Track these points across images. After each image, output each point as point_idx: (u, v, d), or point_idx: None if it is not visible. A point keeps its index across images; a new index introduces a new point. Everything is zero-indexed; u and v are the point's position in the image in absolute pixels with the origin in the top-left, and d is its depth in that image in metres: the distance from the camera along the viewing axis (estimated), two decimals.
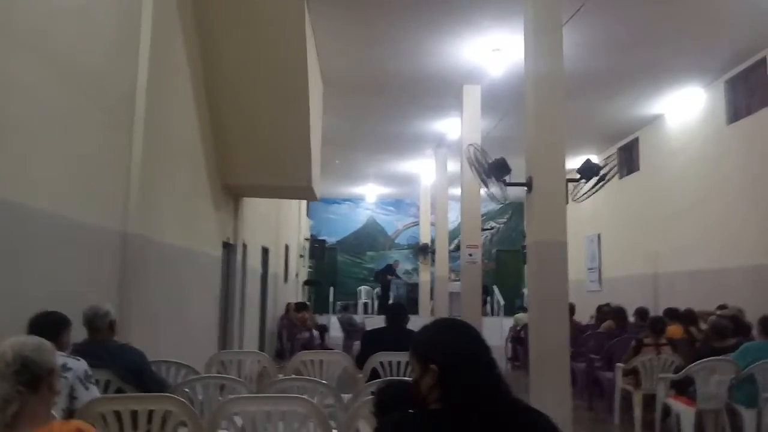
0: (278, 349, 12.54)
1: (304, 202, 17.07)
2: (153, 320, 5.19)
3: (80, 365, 2.96)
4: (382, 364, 4.60)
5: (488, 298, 17.63)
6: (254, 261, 9.79)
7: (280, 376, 4.63)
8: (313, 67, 7.67)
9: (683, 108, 10.55)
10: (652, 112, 11.16)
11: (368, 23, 7.72)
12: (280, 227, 13.00)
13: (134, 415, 2.90)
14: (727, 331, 5.64)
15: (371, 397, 2.54)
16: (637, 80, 9.56)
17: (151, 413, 2.91)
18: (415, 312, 17.26)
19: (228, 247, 8.04)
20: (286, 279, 14.09)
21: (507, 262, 20.96)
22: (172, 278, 5.74)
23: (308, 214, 19.48)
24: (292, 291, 15.37)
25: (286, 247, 13.98)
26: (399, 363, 4.57)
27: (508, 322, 13.50)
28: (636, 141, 12.63)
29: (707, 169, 9.84)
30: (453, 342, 1.65)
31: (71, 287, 3.89)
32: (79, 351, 3.38)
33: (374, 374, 4.59)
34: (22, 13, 3.33)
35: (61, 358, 2.91)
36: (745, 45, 8.21)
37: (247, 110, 7.08)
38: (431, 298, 16.15)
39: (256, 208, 9.60)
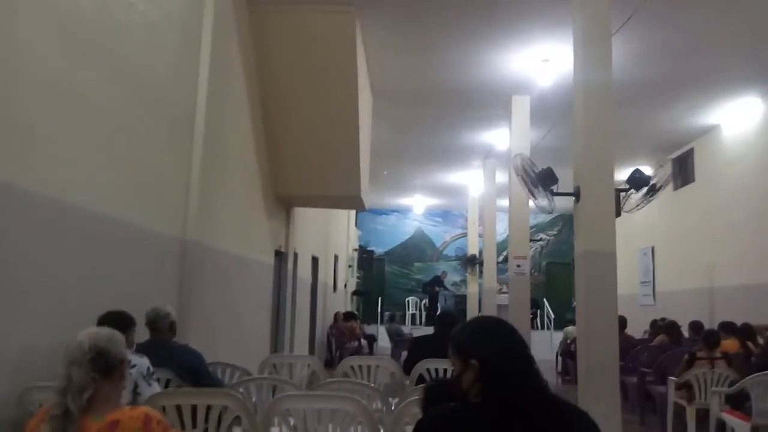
0: (327, 357, 12.72)
1: (353, 213, 17.30)
2: (209, 323, 5.42)
3: (143, 362, 3.15)
4: (428, 370, 4.66)
5: (538, 312, 17.38)
6: (304, 270, 10.01)
7: (329, 379, 4.76)
8: (363, 79, 7.86)
9: (740, 118, 10.25)
10: (707, 122, 10.87)
11: (417, 35, 7.85)
12: (330, 237, 13.22)
13: (193, 409, 3.06)
14: None
15: (418, 397, 2.62)
16: (691, 90, 9.35)
17: (209, 408, 3.07)
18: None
19: (280, 256, 8.27)
20: (335, 288, 14.30)
21: (557, 274, 20.60)
22: (228, 284, 5.98)
23: (357, 225, 19.70)
24: (340, 301, 15.56)
25: (335, 257, 14.18)
26: (446, 370, 4.62)
27: (558, 336, 13.30)
28: (691, 152, 12.30)
29: (764, 180, 9.51)
30: (492, 338, 1.72)
31: (135, 289, 4.13)
32: (142, 350, 3.59)
33: (421, 380, 4.65)
34: (91, 29, 3.60)
35: (127, 353, 3.13)
36: None
37: (298, 123, 7.33)
38: (479, 309, 16.05)
39: (306, 217, 9.84)
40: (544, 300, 17.74)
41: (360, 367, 4.87)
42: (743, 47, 7.85)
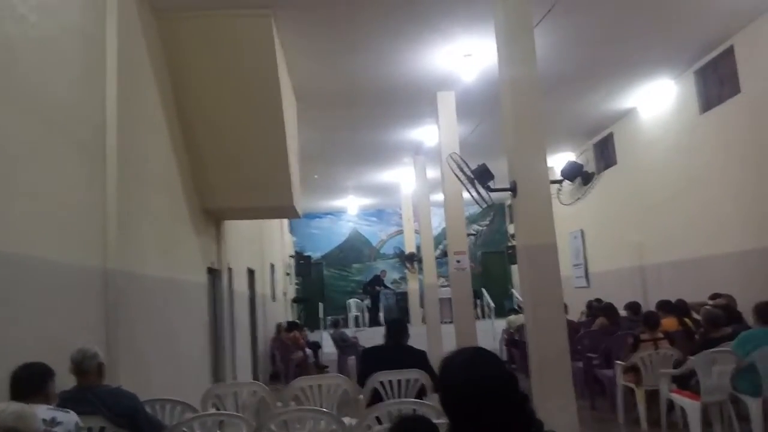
0: (272, 371, 12.35)
1: (286, 220, 16.93)
2: (142, 357, 5.03)
3: (71, 418, 2.81)
4: (382, 383, 4.50)
5: (477, 302, 17.60)
6: (240, 284, 9.63)
7: (279, 404, 4.51)
8: (285, 83, 7.58)
9: (655, 100, 10.66)
10: (624, 106, 11.25)
11: (337, 35, 7.65)
12: (264, 247, 12.84)
13: None
14: (721, 320, 5.66)
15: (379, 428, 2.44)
16: (607, 76, 9.62)
17: None
18: (407, 321, 17.15)
19: (213, 273, 7.88)
20: (274, 298, 13.92)
21: (493, 264, 20.98)
22: (159, 311, 5.59)
23: (291, 231, 19.31)
24: (281, 310, 15.19)
25: (272, 267, 13.81)
26: (399, 381, 4.47)
27: (499, 324, 13.48)
28: (611, 135, 12.72)
29: (684, 159, 9.92)
30: (455, 394, 1.63)
31: (55, 333, 3.74)
32: (68, 399, 3.24)
33: (375, 394, 4.50)
34: None
35: (49, 411, 2.78)
36: (712, 35, 8.30)
37: (222, 133, 6.97)
38: (421, 306, 16.07)
39: (238, 230, 9.45)
40: (483, 290, 17.97)
41: (310, 387, 4.64)
42: (654, 33, 8.10)
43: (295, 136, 8.65)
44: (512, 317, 10.99)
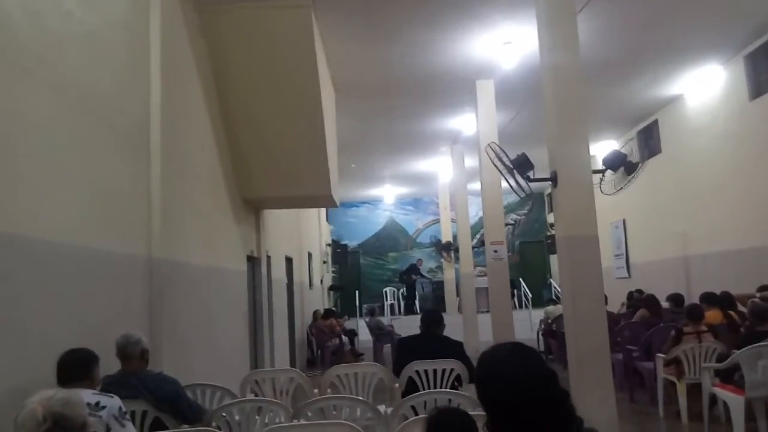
0: (309, 357, 12.54)
1: (323, 209, 17.07)
2: (184, 343, 5.17)
3: (114, 402, 2.91)
4: (418, 372, 4.52)
5: (515, 291, 17.45)
6: (279, 271, 9.77)
7: (315, 391, 4.58)
8: (324, 74, 7.62)
9: (703, 87, 10.31)
10: (670, 92, 10.91)
11: (376, 26, 7.64)
12: (302, 235, 12.99)
13: None
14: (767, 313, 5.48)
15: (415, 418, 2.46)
16: (653, 61, 9.34)
17: None
18: (443, 310, 17.17)
19: (252, 261, 8.02)
20: (311, 286, 14.09)
21: (531, 253, 20.75)
22: (200, 298, 5.73)
23: (328, 220, 19.47)
24: (318, 298, 15.36)
25: (309, 255, 13.96)
26: (435, 371, 4.49)
27: (537, 314, 13.36)
28: (656, 123, 12.37)
29: (732, 147, 9.59)
30: (494, 387, 1.62)
31: (101, 319, 3.87)
32: (112, 383, 3.36)
33: (411, 384, 4.52)
34: (26, 41, 3.29)
35: (94, 396, 2.89)
36: (763, 19, 7.97)
37: (261, 124, 7.06)
38: (457, 295, 16.04)
39: (276, 219, 9.58)
40: (520, 279, 17.82)
41: (347, 375, 4.70)
42: (702, 17, 7.82)
43: (333, 126, 8.69)
44: (550, 308, 10.85)
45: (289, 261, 10.94)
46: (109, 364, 3.44)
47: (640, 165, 5.27)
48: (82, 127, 3.87)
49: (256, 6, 6.49)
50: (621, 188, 5.42)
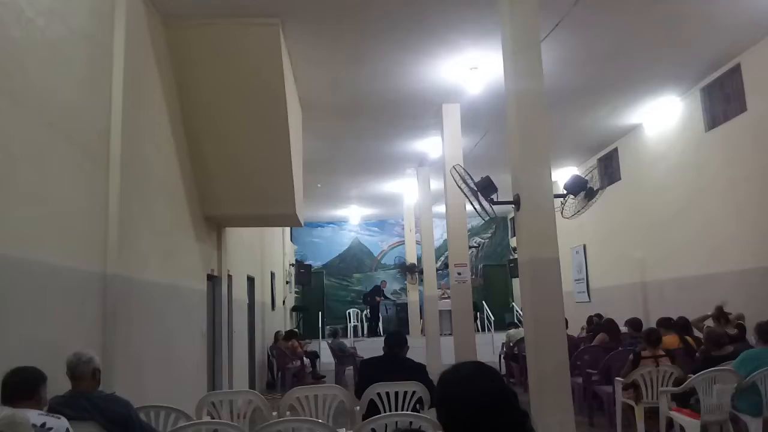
0: (269, 380, 12.30)
1: (287, 228, 16.92)
2: (139, 363, 5.01)
3: (61, 424, 2.79)
4: (379, 395, 4.46)
5: (477, 314, 17.55)
6: (240, 291, 9.60)
7: (274, 414, 4.48)
8: (291, 93, 7.60)
9: (661, 117, 10.65)
10: (630, 122, 11.24)
11: (344, 47, 7.68)
12: (265, 255, 12.82)
13: None
14: (723, 339, 5.63)
15: None
16: (614, 92, 9.62)
17: None
18: (406, 332, 17.11)
19: (213, 279, 7.87)
20: (273, 307, 13.88)
21: (494, 276, 20.93)
22: (157, 317, 5.57)
23: (292, 239, 19.30)
24: (280, 318, 15.14)
25: (272, 275, 13.78)
26: (397, 393, 4.44)
27: (499, 337, 13.40)
28: (615, 151, 12.71)
29: (688, 176, 9.90)
30: (451, 405, 1.61)
31: (51, 336, 3.72)
32: (61, 404, 3.22)
33: (372, 406, 4.46)
34: None
35: (40, 417, 2.76)
36: (719, 53, 8.31)
37: (226, 141, 6.98)
38: (421, 317, 16.01)
39: (239, 237, 9.44)
40: (483, 303, 17.93)
41: (306, 397, 4.60)
42: (660, 50, 8.11)
43: (299, 144, 8.67)
44: (512, 331, 10.92)
45: (251, 281, 10.77)
46: (59, 384, 3.30)
47: (599, 190, 5.37)
48: (40, 137, 3.76)
49: (224, 22, 6.46)
50: (580, 212, 5.51)
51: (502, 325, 16.24)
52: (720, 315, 7.09)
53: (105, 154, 4.71)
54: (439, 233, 16.30)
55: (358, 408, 4.54)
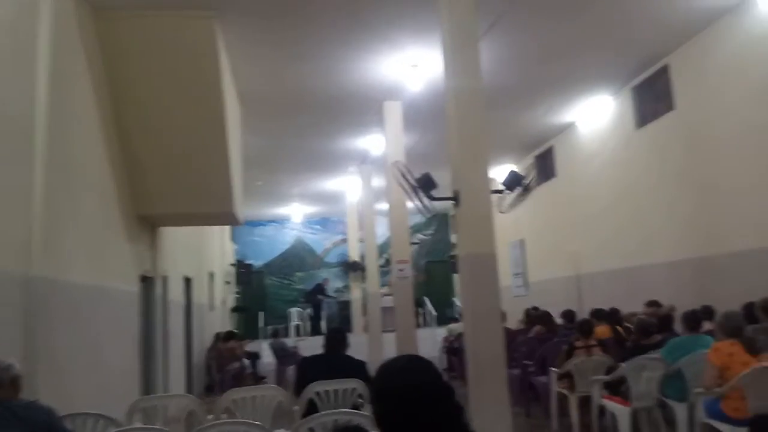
0: (208, 383, 12.00)
1: (227, 227, 16.57)
2: (64, 369, 4.77)
3: None
4: (319, 394, 4.42)
5: (420, 310, 17.73)
6: (176, 292, 9.32)
7: (210, 417, 4.36)
8: (229, 87, 7.42)
9: (594, 116, 11.02)
10: (564, 120, 11.58)
11: (284, 44, 7.56)
12: (203, 255, 12.51)
13: None
14: (652, 328, 5.86)
15: None
16: (549, 91, 9.88)
17: None
18: (349, 330, 17.09)
19: (146, 281, 7.59)
20: (212, 307, 13.56)
21: (436, 272, 21.15)
22: (84, 320, 5.33)
23: (232, 239, 18.92)
24: (219, 319, 14.82)
25: (211, 275, 13.46)
26: (336, 392, 4.40)
27: (441, 332, 13.56)
28: (551, 149, 13.07)
29: (619, 172, 10.29)
30: (385, 393, 1.59)
31: None
32: None
33: (311, 405, 4.41)
34: None
35: None
36: (649, 54, 8.65)
37: (160, 137, 6.74)
38: (364, 314, 16.01)
39: (175, 237, 9.15)
40: (425, 298, 18.12)
41: (243, 399, 4.50)
42: (594, 50, 8.37)
43: (238, 141, 8.47)
44: (453, 325, 11.09)
45: (188, 281, 10.47)
46: None
47: (531, 185, 5.50)
48: None
49: (157, 15, 6.25)
50: (512, 206, 5.64)
51: (444, 320, 16.46)
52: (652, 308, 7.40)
53: (28, 150, 4.46)
54: (382, 230, 16.32)
55: (297, 408, 4.48)
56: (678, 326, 5.99)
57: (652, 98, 9.37)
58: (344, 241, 19.80)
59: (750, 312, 5.66)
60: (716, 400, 4.27)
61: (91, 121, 5.84)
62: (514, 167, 13.49)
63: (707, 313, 6.08)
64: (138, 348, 7.11)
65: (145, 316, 7.50)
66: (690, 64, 8.36)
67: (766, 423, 3.77)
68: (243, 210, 9.01)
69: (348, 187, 16.02)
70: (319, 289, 18.53)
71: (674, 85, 8.69)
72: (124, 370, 6.49)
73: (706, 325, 5.65)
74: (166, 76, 6.45)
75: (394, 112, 9.76)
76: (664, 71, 8.90)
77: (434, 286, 20.48)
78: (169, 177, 6.97)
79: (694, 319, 5.30)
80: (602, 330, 6.72)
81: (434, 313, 17.39)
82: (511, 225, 14.81)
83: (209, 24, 6.38)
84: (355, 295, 17.74)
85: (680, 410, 4.97)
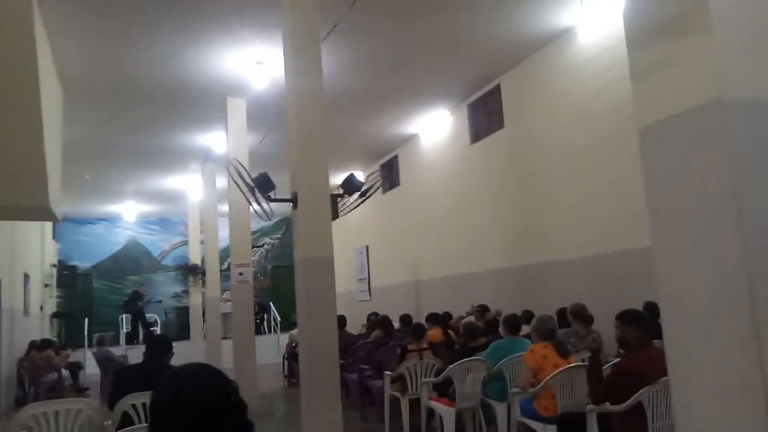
0: (19, 396, 10.69)
1: (48, 224, 14.94)
2: None
3: None
4: (134, 406, 4.06)
5: (264, 316, 17.33)
6: None
7: None
8: (46, 68, 6.67)
9: (434, 128, 11.53)
10: (408, 131, 11.99)
11: (115, 27, 6.97)
12: (16, 253, 11.13)
13: None
14: (478, 331, 6.20)
15: None
16: (393, 100, 10.15)
17: None
18: (187, 337, 16.22)
19: None
20: (26, 313, 12.11)
21: (283, 277, 20.80)
22: None
23: (54, 237, 17.12)
24: (36, 326, 13.29)
25: (26, 276, 12.02)
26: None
27: (285, 339, 13.38)
28: (396, 158, 13.48)
29: (456, 184, 10.86)
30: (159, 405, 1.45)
31: None
32: None
33: (126, 419, 4.04)
34: None
35: None
36: (483, 73, 9.22)
37: None
38: (203, 320, 15.28)
39: None
40: (270, 304, 17.77)
41: (45, 414, 4.00)
42: (433, 64, 8.74)
43: (58, 127, 7.66)
44: (294, 331, 10.92)
45: None
46: None
47: (369, 191, 5.56)
48: None
49: None
50: (350, 209, 5.67)
51: (289, 326, 16.22)
52: (481, 312, 7.85)
53: None
54: (225, 233, 15.69)
55: (108, 422, 4.08)
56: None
57: (485, 116, 10.01)
58: (185, 243, 18.80)
59: (563, 317, 6.20)
60: (530, 400, 4.58)
61: None
62: (361, 174, 13.75)
63: (527, 317, 6.56)
64: None
65: None
66: (518, 86, 9.04)
67: (572, 421, 4.06)
68: (64, 205, 8.15)
69: (189, 186, 15.23)
70: (137, 295, 16.91)
71: (504, 105, 9.35)
72: None
73: (526, 329, 6.09)
74: None
75: (237, 109, 9.43)
76: (496, 90, 9.55)
77: (281, 291, 20.13)
78: None
79: (515, 322, 5.68)
80: (434, 333, 6.98)
81: (279, 318, 17.10)
82: (357, 231, 15.05)
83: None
84: (195, 300, 16.88)
85: (500, 410, 5.28)
